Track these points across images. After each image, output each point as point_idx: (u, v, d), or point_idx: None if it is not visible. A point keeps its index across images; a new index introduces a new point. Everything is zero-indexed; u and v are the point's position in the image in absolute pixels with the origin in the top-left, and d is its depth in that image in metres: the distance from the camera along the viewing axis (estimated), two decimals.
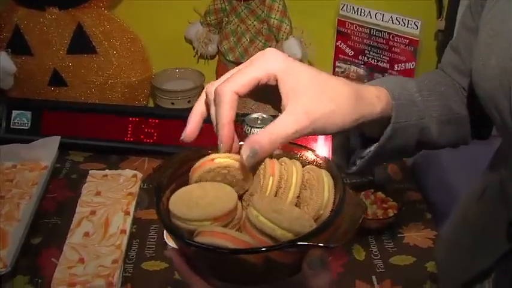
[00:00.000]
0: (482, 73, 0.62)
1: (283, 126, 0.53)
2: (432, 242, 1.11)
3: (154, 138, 1.35)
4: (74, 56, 1.42)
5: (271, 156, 0.56)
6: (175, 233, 0.49)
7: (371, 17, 1.39)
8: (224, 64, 1.50)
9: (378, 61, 1.42)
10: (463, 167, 1.25)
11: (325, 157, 0.57)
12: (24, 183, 1.21)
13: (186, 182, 0.55)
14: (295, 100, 0.54)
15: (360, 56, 1.45)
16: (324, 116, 0.55)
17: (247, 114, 1.20)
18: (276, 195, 0.54)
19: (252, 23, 1.41)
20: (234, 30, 1.43)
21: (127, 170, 1.27)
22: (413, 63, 1.36)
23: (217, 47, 1.50)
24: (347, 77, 1.49)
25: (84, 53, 1.41)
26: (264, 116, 1.18)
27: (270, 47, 1.43)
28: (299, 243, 0.46)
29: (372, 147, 0.67)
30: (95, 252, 1.04)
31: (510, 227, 0.67)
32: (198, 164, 0.55)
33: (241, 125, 1.18)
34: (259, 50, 1.40)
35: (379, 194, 1.19)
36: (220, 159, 0.53)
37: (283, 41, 1.42)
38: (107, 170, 1.27)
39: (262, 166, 0.55)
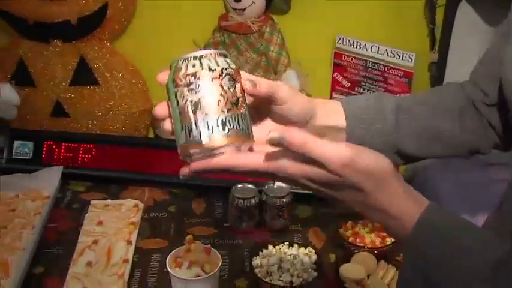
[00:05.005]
0: None
1: None
2: None
3: (155, 168, 1.37)
4: (76, 88, 1.44)
5: None
6: None
7: (367, 50, 1.43)
8: None
9: (373, 92, 1.45)
10: (460, 195, 1.28)
11: None
12: (27, 213, 1.23)
13: None
14: None
15: (356, 87, 1.48)
16: None
17: None
18: None
19: (251, 55, 1.45)
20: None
21: (129, 199, 1.28)
22: (408, 94, 1.39)
23: None
24: None
25: (86, 85, 1.44)
26: None
27: (268, 79, 1.46)
28: None
29: None
30: (98, 281, 1.05)
31: None
32: None
33: None
34: None
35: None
36: None
37: (281, 73, 1.45)
38: (108, 200, 1.28)
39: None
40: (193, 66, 0.61)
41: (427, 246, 0.60)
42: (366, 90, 1.46)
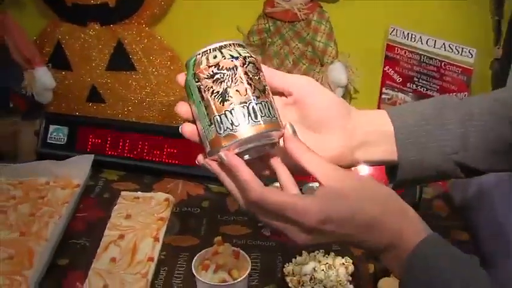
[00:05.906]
0: None
1: None
2: None
3: (191, 160, 1.31)
4: (112, 73, 1.40)
5: None
6: None
7: (422, 43, 1.32)
8: None
9: (427, 89, 1.35)
10: None
11: None
12: (55, 201, 1.20)
13: None
14: None
15: (408, 83, 1.38)
16: None
17: None
18: None
19: (296, 45, 1.36)
20: (277, 52, 1.39)
21: (159, 193, 1.23)
22: (466, 93, 1.28)
23: None
24: (394, 104, 1.42)
25: (123, 70, 1.39)
26: None
27: (314, 70, 1.38)
28: None
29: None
30: (120, 279, 1.00)
31: None
32: None
33: None
34: (303, 73, 1.37)
35: None
36: None
37: (328, 65, 1.36)
38: (138, 192, 1.23)
39: None
40: (215, 57, 0.58)
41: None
42: (419, 87, 1.36)
